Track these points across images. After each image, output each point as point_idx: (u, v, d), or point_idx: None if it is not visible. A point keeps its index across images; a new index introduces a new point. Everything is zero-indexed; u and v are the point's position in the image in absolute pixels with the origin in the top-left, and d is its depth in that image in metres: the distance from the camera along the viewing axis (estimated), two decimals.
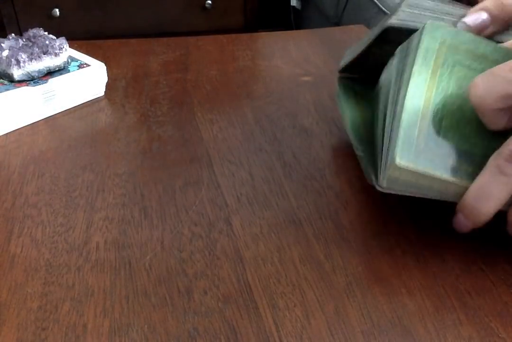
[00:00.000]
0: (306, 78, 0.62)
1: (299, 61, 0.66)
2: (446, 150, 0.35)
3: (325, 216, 0.41)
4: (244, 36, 0.74)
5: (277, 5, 2.20)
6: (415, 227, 0.40)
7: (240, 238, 0.39)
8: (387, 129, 0.37)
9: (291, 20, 2.15)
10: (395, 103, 0.37)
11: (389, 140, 0.36)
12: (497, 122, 0.35)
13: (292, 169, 0.46)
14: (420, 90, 0.36)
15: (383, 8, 1.45)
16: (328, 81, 0.61)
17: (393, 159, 0.34)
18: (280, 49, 0.69)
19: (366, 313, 0.33)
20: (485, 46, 0.38)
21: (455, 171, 0.34)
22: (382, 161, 0.36)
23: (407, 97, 0.35)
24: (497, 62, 0.36)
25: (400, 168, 0.34)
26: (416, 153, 0.34)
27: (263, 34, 0.76)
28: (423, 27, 0.37)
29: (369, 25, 0.79)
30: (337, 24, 1.69)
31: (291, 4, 2.13)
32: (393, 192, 0.36)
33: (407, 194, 0.36)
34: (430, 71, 0.36)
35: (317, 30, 0.76)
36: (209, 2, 1.86)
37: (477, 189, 0.34)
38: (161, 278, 0.36)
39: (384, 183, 0.35)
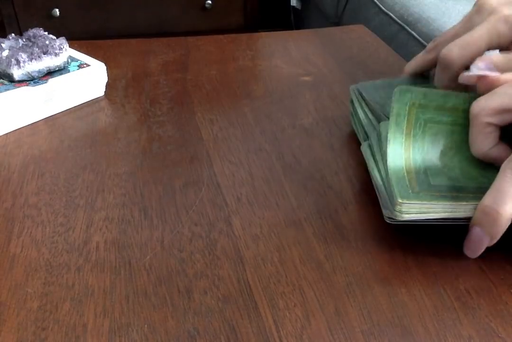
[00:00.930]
0: (306, 78, 0.62)
1: (299, 61, 0.66)
2: (440, 189, 0.37)
3: (325, 216, 0.41)
4: (244, 36, 0.74)
5: (277, 5, 2.20)
6: (415, 227, 0.40)
7: (240, 238, 0.39)
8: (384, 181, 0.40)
9: (291, 20, 2.15)
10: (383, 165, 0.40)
11: (388, 190, 0.39)
12: (483, 142, 0.37)
13: (292, 169, 0.46)
14: (399, 152, 0.39)
15: (383, 8, 1.45)
16: (328, 81, 0.61)
17: (396, 198, 0.36)
18: (280, 49, 0.69)
19: (366, 313, 0.33)
20: (454, 99, 0.40)
21: (455, 196, 0.37)
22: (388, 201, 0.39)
23: (389, 162, 0.39)
24: (468, 111, 0.39)
25: (402, 204, 0.36)
26: (414, 193, 0.37)
27: (263, 34, 0.76)
28: (393, 94, 0.41)
29: (369, 25, 0.79)
30: (337, 24, 1.69)
31: (291, 4, 2.13)
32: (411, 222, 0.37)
33: (426, 222, 0.37)
34: (403, 134, 0.40)
35: (317, 30, 0.76)
36: (209, 2, 1.86)
37: (494, 192, 0.35)
38: (161, 278, 0.36)
39: (395, 215, 0.37)
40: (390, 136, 0.39)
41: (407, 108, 0.40)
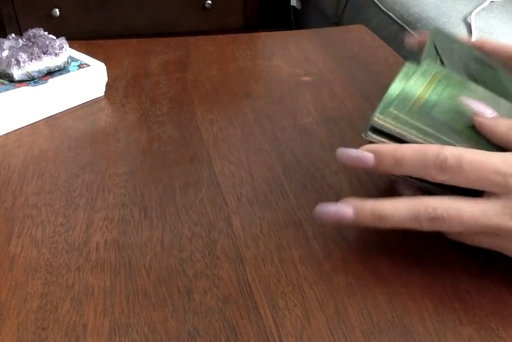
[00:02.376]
0: (306, 78, 0.62)
1: (299, 61, 0.66)
2: (435, 122, 0.37)
3: None
4: (244, 36, 0.74)
5: (277, 5, 2.20)
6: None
7: (240, 238, 0.39)
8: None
9: (291, 20, 2.15)
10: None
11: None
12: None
13: (292, 169, 0.46)
14: (418, 84, 0.40)
15: (383, 8, 1.45)
16: (328, 81, 0.61)
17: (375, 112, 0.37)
18: (280, 49, 0.69)
19: (366, 313, 0.33)
20: (473, 85, 0.42)
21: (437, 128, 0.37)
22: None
23: (408, 82, 0.40)
24: (487, 97, 0.40)
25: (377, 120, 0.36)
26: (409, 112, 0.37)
27: (263, 34, 0.76)
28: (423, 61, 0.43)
29: (369, 25, 0.79)
30: (337, 24, 1.69)
31: (291, 4, 2.13)
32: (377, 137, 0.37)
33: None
34: (428, 80, 0.40)
35: (317, 30, 0.76)
36: (209, 2, 1.86)
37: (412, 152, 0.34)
38: (161, 278, 0.36)
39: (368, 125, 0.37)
40: (418, 71, 0.41)
41: (434, 71, 0.42)
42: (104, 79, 0.58)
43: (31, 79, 0.54)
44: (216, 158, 0.48)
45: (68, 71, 0.56)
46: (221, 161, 0.48)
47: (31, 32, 0.57)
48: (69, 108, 0.56)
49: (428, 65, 0.42)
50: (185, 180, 0.45)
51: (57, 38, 0.57)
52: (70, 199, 0.43)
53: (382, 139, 0.36)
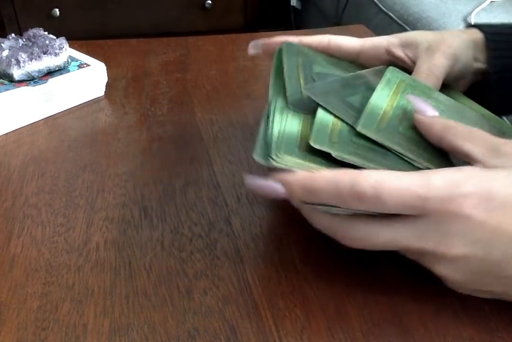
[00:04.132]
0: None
1: None
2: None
3: None
4: (244, 36, 0.74)
5: (277, 5, 2.20)
6: None
7: (240, 238, 0.39)
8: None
9: (291, 20, 2.15)
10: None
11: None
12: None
13: None
14: (383, 98, 0.38)
15: (383, 8, 1.45)
16: None
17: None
18: None
19: (366, 313, 0.33)
20: (438, 94, 0.41)
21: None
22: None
23: (373, 95, 0.37)
24: (450, 107, 0.39)
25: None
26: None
27: (263, 34, 0.76)
28: (385, 69, 0.41)
29: (369, 25, 0.79)
30: (337, 24, 1.69)
31: (291, 4, 2.13)
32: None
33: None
34: (391, 92, 0.39)
35: (317, 30, 0.76)
36: (209, 2, 1.86)
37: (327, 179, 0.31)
38: (161, 278, 0.36)
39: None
40: (379, 86, 0.38)
41: (397, 81, 0.40)
42: (104, 79, 0.58)
43: (31, 79, 0.54)
44: (216, 158, 0.48)
45: (68, 71, 0.56)
46: (221, 161, 0.48)
47: (31, 32, 0.57)
48: (69, 108, 0.56)
49: (392, 73, 0.41)
50: (185, 180, 0.45)
51: (57, 38, 0.57)
52: (70, 199, 0.43)
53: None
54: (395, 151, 0.34)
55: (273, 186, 0.32)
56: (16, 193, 0.44)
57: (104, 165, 0.47)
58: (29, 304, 0.34)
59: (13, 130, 0.52)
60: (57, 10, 1.77)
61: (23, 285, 0.35)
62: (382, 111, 0.37)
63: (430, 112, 0.36)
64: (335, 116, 0.36)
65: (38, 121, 0.54)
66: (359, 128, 0.35)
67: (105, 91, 0.58)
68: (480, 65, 0.46)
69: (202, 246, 0.39)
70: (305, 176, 0.31)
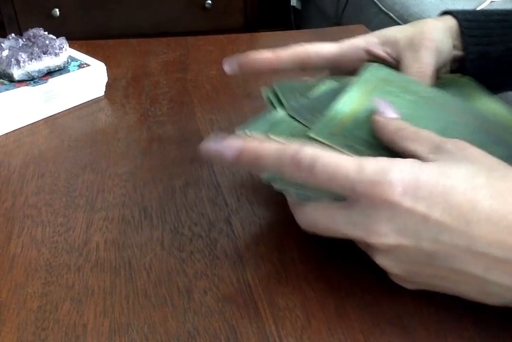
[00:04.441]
0: (306, 78, 0.62)
1: None
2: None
3: None
4: (244, 36, 0.74)
5: (277, 5, 2.20)
6: None
7: (240, 238, 0.39)
8: None
9: (291, 20, 2.15)
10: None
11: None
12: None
13: None
14: (350, 101, 0.38)
15: (383, 8, 1.45)
16: None
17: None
18: None
19: (366, 313, 0.33)
20: (416, 85, 0.41)
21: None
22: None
23: (339, 100, 0.38)
24: (428, 98, 0.39)
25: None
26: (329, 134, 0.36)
27: (263, 34, 0.76)
28: (365, 67, 0.41)
29: (369, 25, 0.79)
30: (337, 24, 1.69)
31: (291, 4, 2.13)
32: None
33: None
34: (362, 94, 0.39)
35: (317, 30, 0.76)
36: (209, 2, 1.86)
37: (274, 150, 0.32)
38: (161, 278, 0.36)
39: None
40: (349, 89, 0.39)
41: (374, 79, 0.40)
42: (104, 79, 0.58)
43: (31, 79, 0.54)
44: None
45: (68, 71, 0.56)
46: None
47: (31, 32, 0.57)
48: (69, 108, 0.56)
49: (370, 71, 0.41)
50: (185, 180, 0.45)
51: (57, 38, 0.57)
52: (70, 199, 0.43)
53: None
54: (347, 154, 0.34)
55: (224, 149, 0.33)
56: (16, 193, 0.44)
57: (104, 165, 0.47)
58: (29, 304, 0.34)
59: (13, 130, 0.52)
60: (57, 10, 1.77)
61: (23, 285, 0.35)
62: (343, 116, 0.37)
63: (389, 113, 0.36)
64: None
65: (38, 121, 0.54)
66: (311, 134, 0.36)
67: (105, 91, 0.58)
68: (457, 52, 0.46)
69: (202, 246, 0.39)
70: (258, 142, 0.32)
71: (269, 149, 0.32)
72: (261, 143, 0.32)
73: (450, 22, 0.46)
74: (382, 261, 0.32)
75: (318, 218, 0.33)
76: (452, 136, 0.33)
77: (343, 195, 0.31)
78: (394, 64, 0.45)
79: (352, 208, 0.31)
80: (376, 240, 0.30)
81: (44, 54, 0.54)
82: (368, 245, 0.32)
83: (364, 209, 0.30)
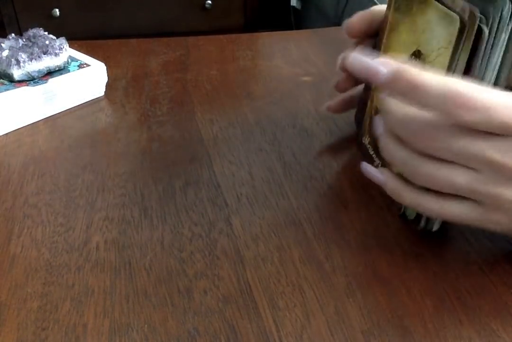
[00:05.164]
0: (306, 78, 0.62)
1: (299, 61, 0.66)
2: None
3: (325, 216, 0.41)
4: (244, 36, 0.74)
5: (277, 5, 2.20)
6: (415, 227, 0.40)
7: (240, 238, 0.39)
8: None
9: (291, 20, 2.15)
10: None
11: None
12: None
13: (292, 169, 0.46)
14: None
15: None
16: (328, 81, 0.61)
17: None
18: (280, 49, 0.69)
19: (366, 313, 0.33)
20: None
21: None
22: None
23: None
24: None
25: None
26: None
27: (263, 34, 0.76)
28: None
29: None
30: (337, 24, 1.69)
31: (291, 4, 2.13)
32: None
33: None
34: None
35: (317, 30, 0.76)
36: (209, 2, 1.86)
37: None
38: (161, 278, 0.36)
39: None
40: None
41: None
42: (104, 79, 0.58)
43: (31, 79, 0.54)
44: (216, 158, 0.48)
45: (68, 71, 0.56)
46: (221, 161, 0.48)
47: (31, 32, 0.57)
48: (69, 108, 0.56)
49: None
50: (185, 180, 0.45)
51: (57, 38, 0.57)
52: (70, 199, 0.43)
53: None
54: None
55: (379, 68, 0.31)
56: (16, 193, 0.44)
57: (104, 165, 0.47)
58: (29, 304, 0.34)
59: (13, 130, 0.52)
60: (57, 10, 1.77)
61: (23, 285, 0.35)
62: None
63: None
64: None
65: (38, 121, 0.54)
66: None
67: (105, 91, 0.58)
68: None
69: (202, 246, 0.39)
70: (419, 70, 0.31)
71: (431, 79, 0.30)
72: (422, 72, 0.31)
73: None
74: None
75: (458, 142, 0.31)
76: None
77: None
78: None
79: (508, 138, 0.30)
80: None
81: (44, 54, 0.54)
82: (501, 179, 0.31)
83: None
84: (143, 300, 0.34)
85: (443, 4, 0.35)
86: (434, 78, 0.31)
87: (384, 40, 0.44)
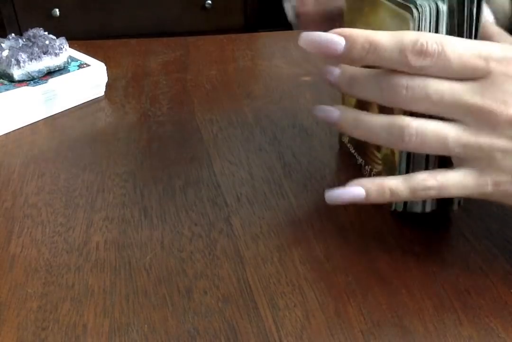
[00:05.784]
0: (306, 78, 0.62)
1: (299, 61, 0.66)
2: None
3: (325, 216, 0.41)
4: (244, 36, 0.74)
5: (277, 5, 2.20)
6: (415, 227, 0.40)
7: (240, 238, 0.39)
8: None
9: None
10: None
11: None
12: None
13: (292, 169, 0.46)
14: None
15: None
16: None
17: None
18: (280, 49, 0.69)
19: (366, 313, 0.33)
20: None
21: None
22: None
23: None
24: None
25: None
26: None
27: (263, 34, 0.76)
28: None
29: None
30: None
31: (291, 4, 2.12)
32: None
33: None
34: None
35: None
36: (209, 2, 1.86)
37: None
38: (161, 278, 0.36)
39: None
40: None
41: None
42: (104, 79, 0.58)
43: (31, 79, 0.54)
44: (216, 158, 0.48)
45: (68, 71, 0.56)
46: (221, 161, 0.48)
47: (31, 32, 0.57)
48: (69, 108, 0.56)
49: None
50: (185, 180, 0.45)
51: (57, 38, 0.57)
52: (70, 199, 0.43)
53: None
54: None
55: (333, 39, 0.32)
56: (16, 193, 0.44)
57: (104, 165, 0.47)
58: (29, 304, 0.34)
59: (13, 130, 0.52)
60: (57, 10, 1.77)
61: (23, 285, 0.35)
62: None
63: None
64: None
65: (38, 121, 0.54)
66: None
67: (105, 91, 0.58)
68: None
69: (202, 246, 0.39)
70: (369, 31, 0.32)
71: (386, 37, 0.32)
72: (373, 32, 0.32)
73: None
74: (501, 138, 0.32)
75: (435, 87, 0.32)
76: None
77: (473, 74, 0.31)
78: None
79: (480, 80, 0.31)
80: (504, 111, 0.31)
81: (44, 54, 0.54)
82: (483, 119, 0.32)
83: (495, 82, 0.31)
84: (143, 300, 0.34)
85: (392, 2, 0.35)
86: (386, 34, 0.32)
87: None
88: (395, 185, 0.34)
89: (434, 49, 0.31)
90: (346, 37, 0.32)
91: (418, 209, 0.38)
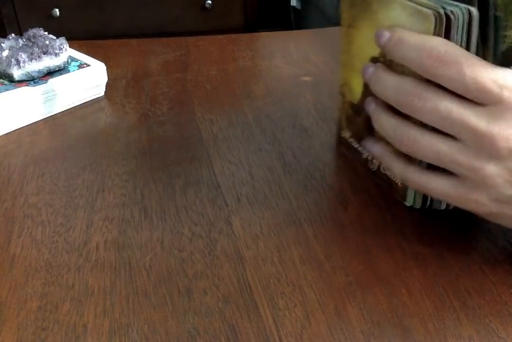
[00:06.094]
0: (306, 78, 0.62)
1: (299, 61, 0.66)
2: None
3: (325, 216, 0.41)
4: (244, 36, 0.74)
5: (277, 5, 2.20)
6: (415, 227, 0.40)
7: (240, 238, 0.39)
8: None
9: (291, 20, 2.15)
10: None
11: None
12: None
13: (292, 170, 0.46)
14: None
15: None
16: (328, 81, 0.61)
17: None
18: (280, 49, 0.69)
19: (366, 313, 0.33)
20: None
21: None
22: None
23: None
24: None
25: None
26: None
27: (263, 34, 0.76)
28: None
29: None
30: (337, 24, 1.69)
31: (291, 4, 2.13)
32: None
33: None
34: None
35: (317, 30, 0.76)
36: (209, 2, 1.86)
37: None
38: (161, 278, 0.36)
39: None
40: None
41: None
42: (104, 79, 0.58)
43: (31, 79, 0.54)
44: (216, 158, 0.48)
45: (68, 71, 0.56)
46: (221, 161, 0.48)
47: (31, 32, 0.57)
48: (69, 108, 0.56)
49: None
50: (185, 180, 0.45)
51: (57, 38, 0.57)
52: (70, 199, 0.43)
53: None
54: None
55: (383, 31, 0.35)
56: (16, 193, 0.44)
57: (104, 165, 0.47)
58: (29, 304, 0.34)
59: (13, 130, 0.52)
60: (57, 10, 1.76)
61: (23, 285, 0.35)
62: None
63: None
64: None
65: (38, 121, 0.54)
66: None
67: (105, 91, 0.58)
68: None
69: (202, 246, 0.39)
70: (399, 28, 0.34)
71: (413, 36, 0.33)
72: (404, 29, 0.34)
73: None
74: (493, 168, 0.32)
75: (443, 104, 0.33)
76: None
77: (484, 97, 0.32)
78: None
79: (490, 106, 0.32)
80: (508, 139, 0.31)
81: (44, 54, 0.54)
82: (484, 147, 0.32)
83: (505, 110, 0.31)
84: (143, 300, 0.34)
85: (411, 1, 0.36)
86: (415, 35, 0.34)
87: (342, 35, 0.45)
88: (394, 163, 0.37)
89: (452, 60, 0.32)
90: (392, 32, 0.35)
91: (439, 206, 0.38)
